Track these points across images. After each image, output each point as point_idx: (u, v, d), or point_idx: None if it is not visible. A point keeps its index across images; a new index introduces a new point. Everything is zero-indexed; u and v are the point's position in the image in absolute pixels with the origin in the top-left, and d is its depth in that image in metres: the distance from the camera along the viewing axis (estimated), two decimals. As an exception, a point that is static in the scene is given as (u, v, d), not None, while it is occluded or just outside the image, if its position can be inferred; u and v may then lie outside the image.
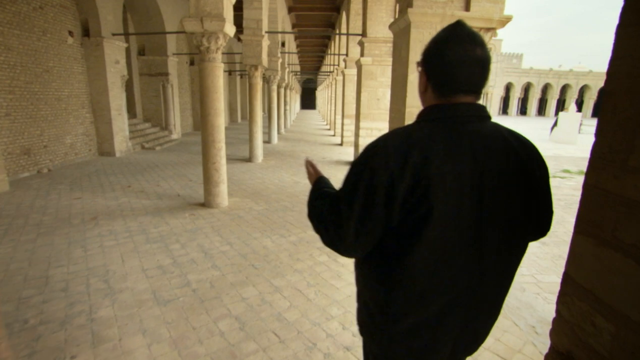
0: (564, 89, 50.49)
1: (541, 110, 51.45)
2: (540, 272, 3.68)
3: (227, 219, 4.75)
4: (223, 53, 17.05)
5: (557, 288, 3.48)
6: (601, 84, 49.63)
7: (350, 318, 2.63)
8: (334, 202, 0.97)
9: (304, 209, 5.23)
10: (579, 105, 47.66)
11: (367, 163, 0.89)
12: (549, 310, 2.88)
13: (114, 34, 8.59)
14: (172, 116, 12.98)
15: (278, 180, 7.06)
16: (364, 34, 8.45)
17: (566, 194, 7.47)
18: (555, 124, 17.92)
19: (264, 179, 7.20)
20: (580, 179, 9.38)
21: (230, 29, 4.74)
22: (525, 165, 0.94)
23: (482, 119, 0.95)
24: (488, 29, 4.54)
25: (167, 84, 12.59)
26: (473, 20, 4.41)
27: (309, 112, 45.00)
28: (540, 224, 1.04)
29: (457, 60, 0.90)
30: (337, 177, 7.33)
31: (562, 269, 4.05)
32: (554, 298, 3.27)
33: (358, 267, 1.07)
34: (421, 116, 0.99)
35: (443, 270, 0.90)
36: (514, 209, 0.93)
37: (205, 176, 5.11)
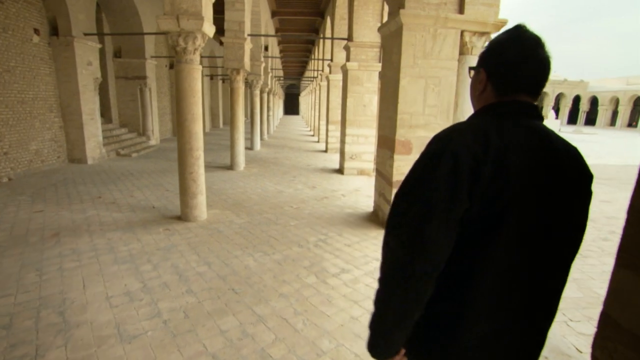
0: (541, 97, 51.97)
1: (519, 117, 52.51)
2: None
3: (205, 234, 4.37)
4: (204, 57, 16.56)
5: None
6: (576, 92, 51.50)
7: (344, 353, 2.31)
8: (403, 205, 0.87)
9: (288, 222, 4.89)
10: (555, 113, 49.20)
11: (446, 148, 0.83)
12: (560, 337, 2.64)
13: (86, 34, 8.08)
14: (150, 121, 12.43)
15: (261, 190, 6.70)
16: (349, 38, 8.23)
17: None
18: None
19: (245, 188, 6.83)
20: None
21: (209, 29, 4.40)
22: (582, 164, 0.91)
23: (540, 119, 0.93)
24: (482, 33, 4.36)
25: (145, 88, 12.06)
26: (467, 23, 4.23)
27: (292, 118, 44.76)
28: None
29: (521, 59, 0.90)
30: (323, 186, 7.03)
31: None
32: (558, 318, 3.04)
33: None
34: (484, 111, 0.95)
35: (518, 273, 0.86)
36: (576, 210, 0.91)
37: (182, 187, 4.72)
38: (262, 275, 3.35)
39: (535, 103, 0.94)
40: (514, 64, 0.90)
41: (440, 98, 4.44)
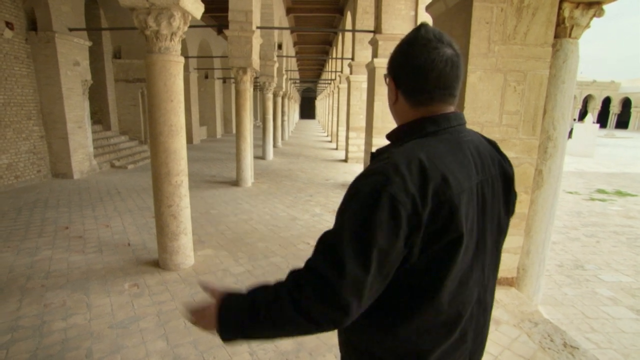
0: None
1: (546, 121, 50.05)
2: None
3: (186, 295, 3.08)
4: (217, 57, 15.21)
5: None
6: (606, 93, 48.63)
7: None
8: (329, 254, 0.72)
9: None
10: (582, 116, 46.39)
11: (382, 189, 0.69)
12: None
13: (71, 29, 6.99)
14: (152, 128, 11.34)
15: (269, 216, 5.39)
16: (377, 30, 6.89)
17: (620, 224, 5.85)
18: (569, 136, 16.56)
19: (251, 213, 5.53)
20: (623, 201, 7.82)
21: (191, 4, 3.11)
22: (504, 166, 0.91)
23: (464, 127, 0.87)
24: (590, 4, 2.95)
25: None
26: (571, -11, 2.83)
27: (308, 122, 43.66)
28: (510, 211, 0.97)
29: (426, 61, 0.78)
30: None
31: None
32: None
33: (364, 327, 0.83)
34: (411, 131, 0.83)
35: (462, 294, 0.82)
36: (501, 210, 0.90)
37: (159, 225, 3.45)
38: (259, 394, 2.02)
39: (454, 110, 0.85)
40: (420, 69, 0.79)
41: (524, 101, 3.04)
